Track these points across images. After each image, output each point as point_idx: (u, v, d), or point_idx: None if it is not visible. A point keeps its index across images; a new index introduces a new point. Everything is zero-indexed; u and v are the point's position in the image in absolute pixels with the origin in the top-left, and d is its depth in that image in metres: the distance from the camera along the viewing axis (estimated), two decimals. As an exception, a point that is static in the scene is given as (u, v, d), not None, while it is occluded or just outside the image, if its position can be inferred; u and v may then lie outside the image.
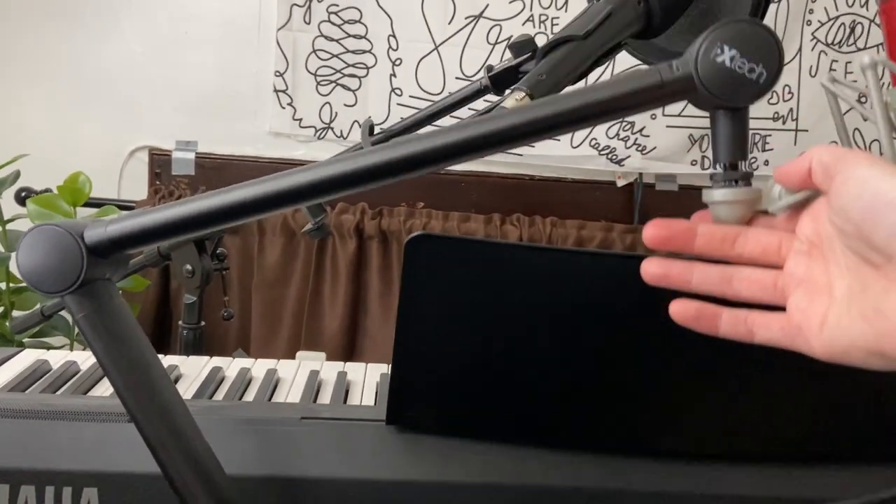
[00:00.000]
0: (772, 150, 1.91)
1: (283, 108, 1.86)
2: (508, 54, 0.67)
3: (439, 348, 0.60)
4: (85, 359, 0.85)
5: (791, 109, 1.89)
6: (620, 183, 1.93)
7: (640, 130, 1.88)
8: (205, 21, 1.85)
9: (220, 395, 0.79)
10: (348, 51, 1.84)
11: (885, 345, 0.37)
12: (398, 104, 1.85)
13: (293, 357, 0.92)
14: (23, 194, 1.74)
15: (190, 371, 0.84)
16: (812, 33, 1.87)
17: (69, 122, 1.85)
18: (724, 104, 0.41)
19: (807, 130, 1.88)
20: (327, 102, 1.87)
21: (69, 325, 1.62)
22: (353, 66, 1.85)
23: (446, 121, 0.73)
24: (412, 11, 1.82)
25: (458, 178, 1.90)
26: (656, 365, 0.59)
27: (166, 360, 0.88)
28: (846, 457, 0.61)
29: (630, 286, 0.53)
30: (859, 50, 1.88)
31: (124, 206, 1.75)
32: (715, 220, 0.44)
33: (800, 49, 1.86)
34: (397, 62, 1.85)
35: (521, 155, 1.87)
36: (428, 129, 0.71)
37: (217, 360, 0.88)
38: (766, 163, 1.91)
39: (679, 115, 1.87)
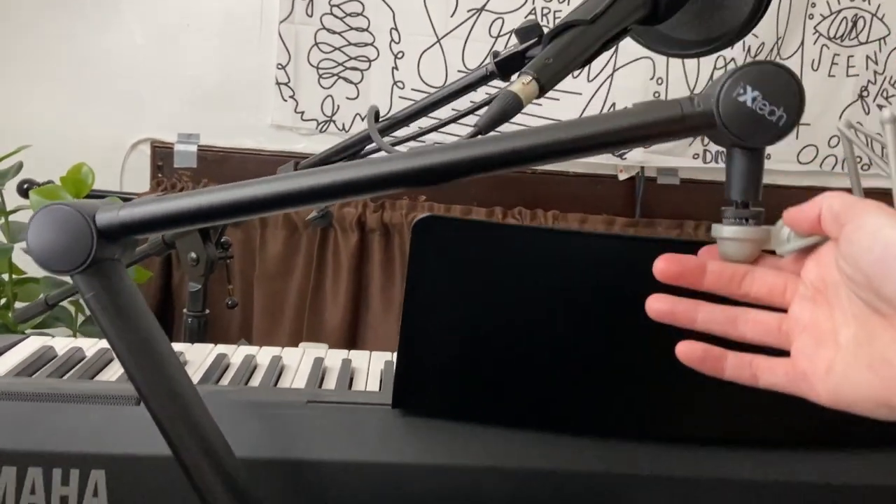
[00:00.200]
0: (774, 143, 1.91)
1: (286, 100, 1.86)
2: (514, 40, 0.67)
3: (445, 331, 0.60)
4: (90, 345, 0.86)
5: (793, 103, 1.89)
6: (622, 176, 1.93)
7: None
8: (207, 13, 1.85)
9: (225, 381, 0.79)
10: (350, 43, 1.84)
11: (893, 395, 0.36)
12: (400, 97, 1.85)
13: (296, 350, 0.92)
14: (25, 186, 1.73)
15: (195, 358, 0.85)
16: (814, 27, 1.86)
17: (71, 114, 1.85)
18: (742, 143, 0.42)
19: (809, 124, 1.88)
20: (329, 95, 1.87)
21: (72, 317, 1.62)
22: (355, 58, 1.85)
23: (445, 112, 0.73)
24: (414, 4, 1.82)
25: (460, 172, 1.89)
26: (665, 349, 0.59)
27: (171, 348, 0.88)
28: (854, 442, 0.61)
29: (640, 268, 0.53)
30: (861, 44, 1.88)
31: (127, 198, 1.73)
32: (722, 255, 0.44)
33: (802, 43, 1.86)
34: (399, 55, 1.85)
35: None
36: (432, 135, 0.70)
37: (222, 348, 0.88)
38: (769, 157, 1.90)
39: (681, 109, 1.87)
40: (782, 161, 1.89)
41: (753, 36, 1.80)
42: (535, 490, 0.58)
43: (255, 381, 0.80)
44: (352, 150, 0.82)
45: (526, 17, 1.84)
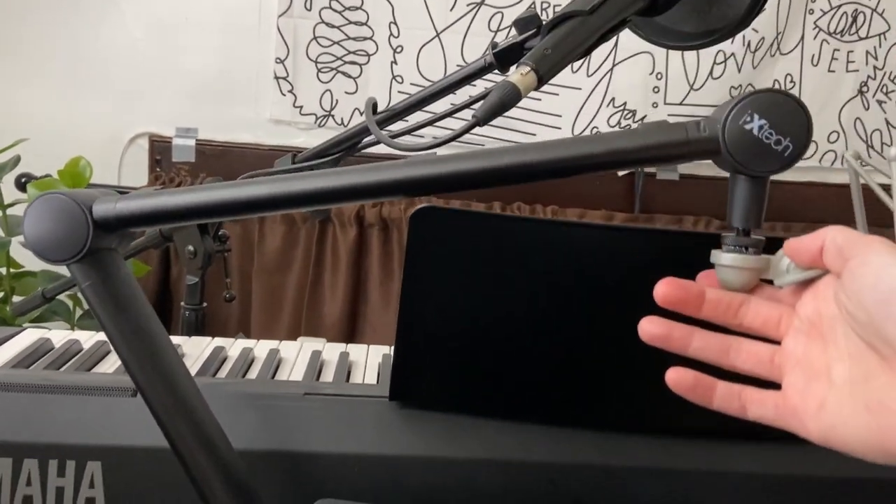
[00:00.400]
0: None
1: (284, 95, 1.86)
2: (513, 31, 0.66)
3: (443, 323, 0.60)
4: (87, 338, 0.85)
5: (793, 99, 1.89)
6: (621, 172, 1.93)
7: (642, 119, 1.88)
8: (205, 7, 1.84)
9: (223, 374, 0.79)
10: (349, 38, 1.84)
11: (888, 440, 0.35)
12: (399, 91, 1.84)
13: (294, 345, 0.92)
14: (23, 179, 1.72)
15: (192, 350, 0.84)
16: (814, 22, 1.86)
17: (69, 107, 1.85)
18: (746, 171, 0.41)
19: (808, 119, 1.88)
20: (328, 90, 1.86)
21: (70, 311, 1.62)
22: (354, 53, 1.85)
23: (443, 104, 0.73)
24: (414, -2, 1.82)
25: (459, 167, 1.89)
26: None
27: (168, 341, 0.87)
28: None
29: (638, 260, 0.53)
30: (861, 39, 1.88)
31: (125, 192, 1.74)
32: (720, 282, 0.44)
33: (802, 38, 1.86)
34: (398, 49, 1.84)
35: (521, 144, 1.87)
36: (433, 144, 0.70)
37: (219, 341, 0.88)
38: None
39: (681, 104, 1.86)
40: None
41: (753, 31, 1.80)
42: (531, 482, 0.58)
43: (253, 373, 0.80)
44: (349, 142, 0.81)
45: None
